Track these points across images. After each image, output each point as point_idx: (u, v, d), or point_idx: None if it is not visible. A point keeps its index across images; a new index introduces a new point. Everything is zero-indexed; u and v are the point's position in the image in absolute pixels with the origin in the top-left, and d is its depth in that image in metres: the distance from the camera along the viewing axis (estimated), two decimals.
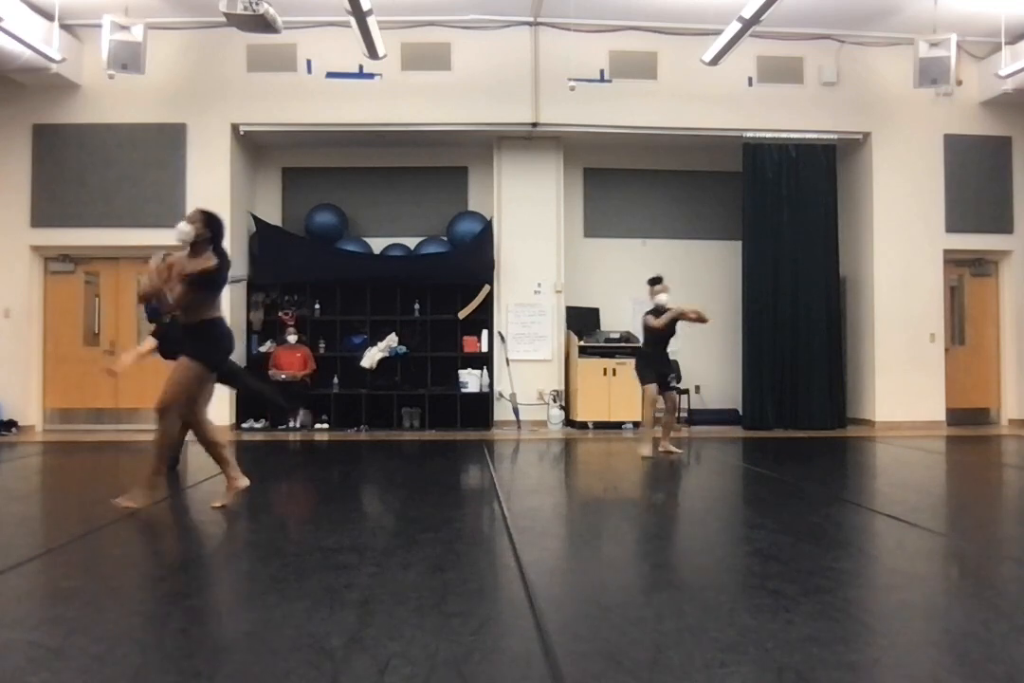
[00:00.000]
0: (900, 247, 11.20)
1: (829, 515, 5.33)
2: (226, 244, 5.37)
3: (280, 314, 11.30)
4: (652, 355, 8.25)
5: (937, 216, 11.26)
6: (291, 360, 10.87)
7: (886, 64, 11.01)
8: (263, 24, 7.95)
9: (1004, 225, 11.36)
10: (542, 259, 11.34)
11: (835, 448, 9.59)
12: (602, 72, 10.45)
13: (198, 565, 4.25)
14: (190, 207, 10.49)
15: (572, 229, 11.87)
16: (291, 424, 10.92)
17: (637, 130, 11.03)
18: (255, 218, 11.34)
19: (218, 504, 5.33)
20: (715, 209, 12.12)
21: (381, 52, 9.48)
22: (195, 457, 7.15)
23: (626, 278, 11.78)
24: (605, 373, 10.91)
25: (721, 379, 11.89)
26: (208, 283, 5.09)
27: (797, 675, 2.52)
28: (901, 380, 11.07)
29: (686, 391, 11.45)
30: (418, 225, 11.90)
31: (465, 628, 2.96)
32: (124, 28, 8.89)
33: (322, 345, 11.35)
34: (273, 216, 11.75)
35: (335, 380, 11.19)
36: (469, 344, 11.37)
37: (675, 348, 11.63)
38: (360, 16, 8.45)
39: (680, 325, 8.41)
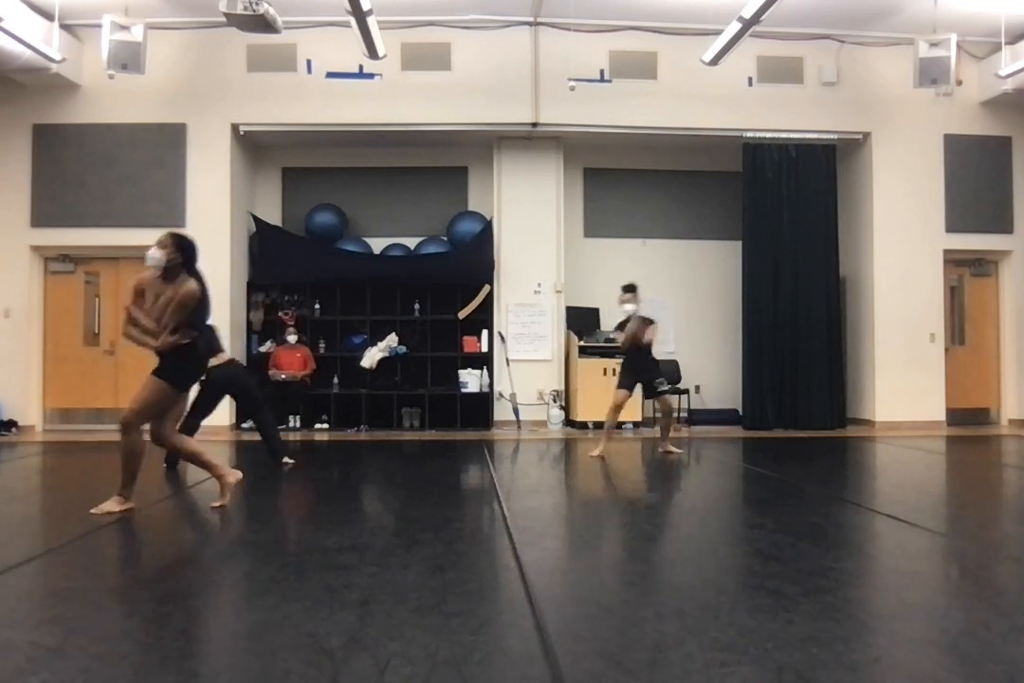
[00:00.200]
0: (900, 247, 11.20)
1: (829, 515, 5.34)
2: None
3: (280, 314, 11.30)
4: (631, 361, 8.29)
5: (937, 216, 11.27)
6: (291, 360, 10.86)
7: (886, 64, 11.01)
8: (263, 24, 7.95)
9: (1004, 225, 11.37)
10: (542, 259, 11.34)
11: (835, 448, 9.59)
12: (602, 72, 10.45)
13: (198, 565, 4.25)
14: (191, 207, 10.60)
15: (572, 229, 11.87)
16: (291, 424, 10.93)
17: (637, 130, 11.03)
18: (255, 218, 11.34)
19: (217, 504, 5.33)
20: (715, 209, 12.12)
21: (381, 52, 9.48)
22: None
23: (626, 278, 11.70)
24: (605, 373, 10.89)
25: (721, 379, 11.89)
26: (189, 310, 5.02)
27: (797, 675, 2.52)
28: (901, 380, 11.08)
29: (686, 391, 11.45)
30: (418, 225, 11.90)
31: (465, 628, 2.96)
32: (124, 28, 8.89)
33: (322, 345, 11.35)
34: (273, 216, 11.75)
35: (335, 380, 11.19)
36: (469, 344, 11.37)
37: (673, 348, 11.75)
38: (360, 16, 8.45)
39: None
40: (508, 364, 11.19)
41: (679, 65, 10.75)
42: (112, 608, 3.38)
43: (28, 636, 2.95)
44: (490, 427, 11.07)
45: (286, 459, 7.45)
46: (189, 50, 10.62)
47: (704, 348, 11.96)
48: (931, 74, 9.25)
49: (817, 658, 2.65)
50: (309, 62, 10.52)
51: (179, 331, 5.01)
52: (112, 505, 5.10)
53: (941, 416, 11.17)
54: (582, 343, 11.16)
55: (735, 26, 8.88)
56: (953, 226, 11.26)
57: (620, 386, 8.24)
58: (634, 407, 10.75)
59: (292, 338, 10.98)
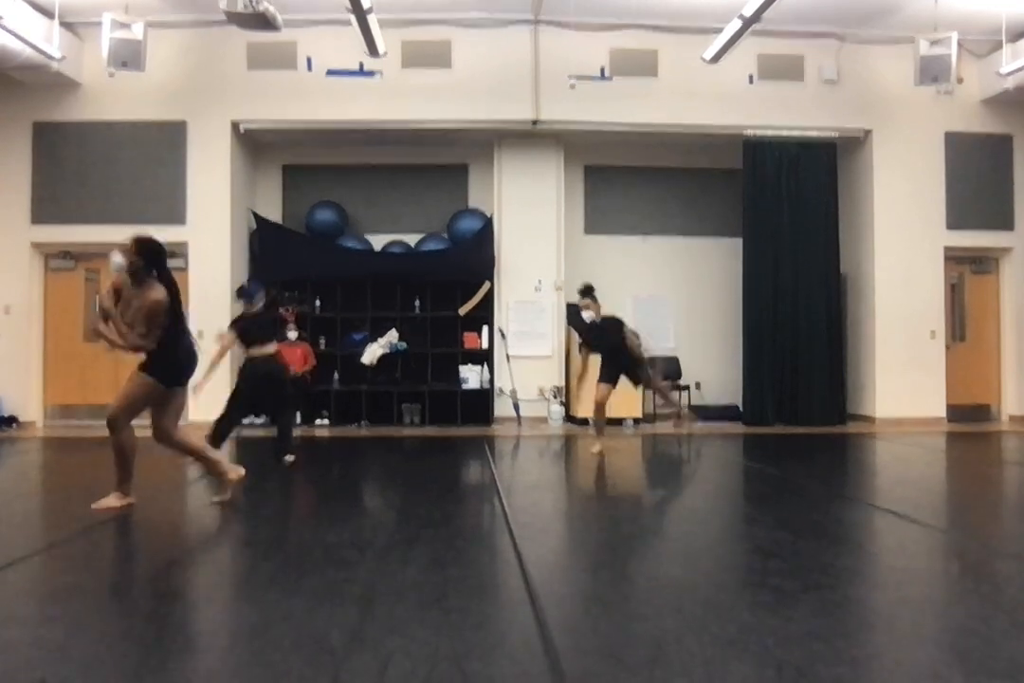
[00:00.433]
0: (901, 244, 11.20)
1: (829, 512, 5.34)
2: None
3: (280, 310, 11.28)
4: (605, 359, 8.12)
5: (938, 213, 11.26)
6: (291, 357, 10.85)
7: (887, 62, 10.99)
8: (263, 22, 7.94)
9: (1005, 222, 11.35)
10: (542, 256, 11.34)
11: (835, 445, 9.60)
12: (602, 70, 10.43)
13: (199, 561, 4.26)
14: (191, 204, 10.61)
15: (573, 226, 11.86)
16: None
17: (638, 128, 11.01)
18: (256, 215, 11.34)
19: (217, 499, 5.34)
20: (716, 206, 12.11)
21: (381, 50, 9.48)
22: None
23: (627, 275, 11.80)
24: None
25: (721, 376, 11.88)
26: (161, 314, 5.00)
27: (797, 671, 2.52)
28: (902, 377, 11.07)
29: (686, 387, 11.45)
30: (418, 222, 11.89)
31: (466, 624, 2.97)
32: (124, 26, 8.88)
33: (322, 342, 11.35)
34: (274, 213, 11.75)
35: (335, 376, 11.20)
36: (469, 340, 11.38)
37: (674, 344, 11.76)
38: (360, 14, 8.45)
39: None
40: (508, 360, 11.20)
41: (680, 63, 10.73)
42: (112, 605, 3.39)
43: (30, 633, 2.96)
44: (490, 423, 11.07)
45: (288, 457, 7.45)
46: (189, 48, 10.61)
47: (704, 345, 11.95)
48: (932, 72, 9.24)
49: (817, 654, 2.66)
50: (309, 60, 10.51)
51: (149, 335, 4.99)
52: (112, 501, 5.11)
53: (942, 413, 11.18)
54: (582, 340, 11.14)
55: (736, 24, 8.88)
56: (954, 223, 11.26)
57: (601, 379, 8.00)
58: (634, 403, 10.79)
59: (292, 334, 10.95)
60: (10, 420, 10.47)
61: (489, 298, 11.27)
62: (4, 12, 8.53)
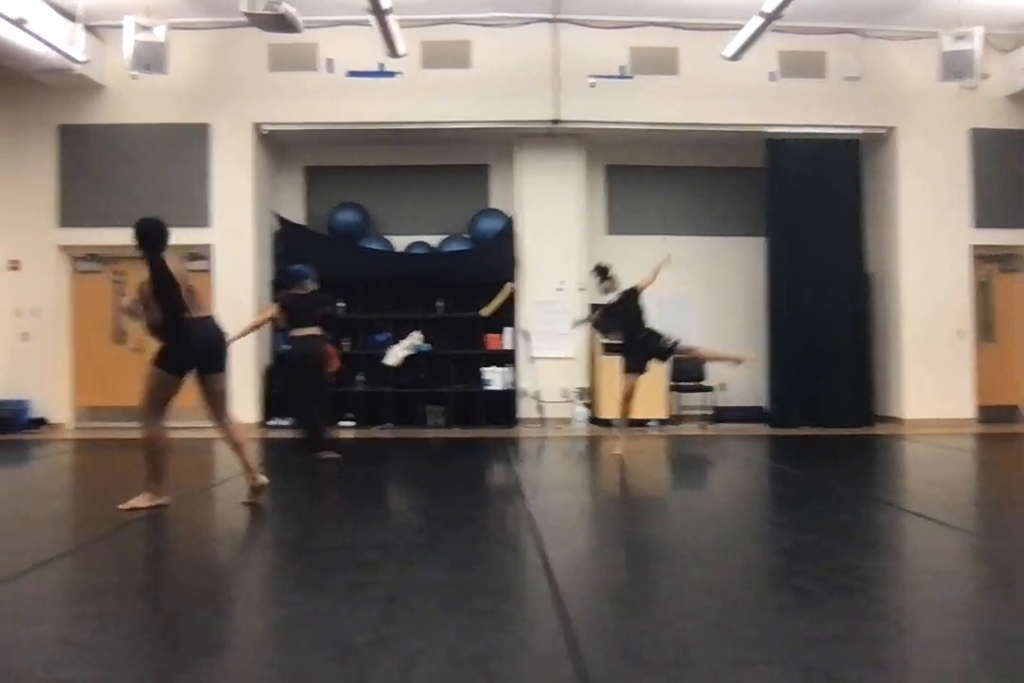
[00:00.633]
0: (927, 243, 11.07)
1: (856, 513, 5.29)
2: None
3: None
4: (630, 343, 8.01)
5: (964, 211, 11.13)
6: None
7: (909, 58, 10.86)
8: (284, 24, 7.98)
9: None
10: (564, 256, 11.31)
11: (863, 446, 9.51)
12: (622, 68, 10.40)
13: (225, 562, 4.28)
14: (215, 206, 10.67)
15: (594, 226, 11.83)
16: None
17: (658, 126, 10.96)
18: (279, 217, 11.40)
19: (247, 500, 5.37)
20: (738, 205, 12.03)
21: (401, 50, 9.49)
22: (221, 453, 7.20)
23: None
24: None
25: (746, 377, 11.73)
26: (146, 297, 5.16)
27: (825, 675, 2.50)
28: (930, 377, 10.94)
29: (710, 389, 11.37)
30: (440, 223, 11.90)
31: (490, 626, 2.96)
32: (146, 29, 8.94)
33: (346, 343, 11.38)
34: (296, 215, 11.80)
35: (360, 378, 11.23)
36: (492, 341, 11.37)
37: (697, 345, 11.66)
38: (380, 15, 8.47)
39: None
40: (532, 362, 11.18)
41: (700, 60, 10.67)
42: (141, 604, 3.41)
43: (59, 631, 2.98)
44: (514, 425, 11.06)
45: (328, 454, 7.40)
46: (211, 50, 10.68)
47: (728, 345, 11.78)
48: (955, 68, 9.13)
49: (845, 657, 2.63)
50: (330, 61, 10.55)
51: (146, 313, 5.21)
52: (141, 501, 5.14)
53: (971, 413, 11.03)
54: (606, 341, 11.11)
55: (756, 21, 8.82)
56: (981, 221, 11.12)
57: (627, 370, 7.84)
58: (658, 403, 10.75)
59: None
60: (39, 422, 10.57)
61: (511, 299, 11.26)
62: (28, 15, 8.62)
